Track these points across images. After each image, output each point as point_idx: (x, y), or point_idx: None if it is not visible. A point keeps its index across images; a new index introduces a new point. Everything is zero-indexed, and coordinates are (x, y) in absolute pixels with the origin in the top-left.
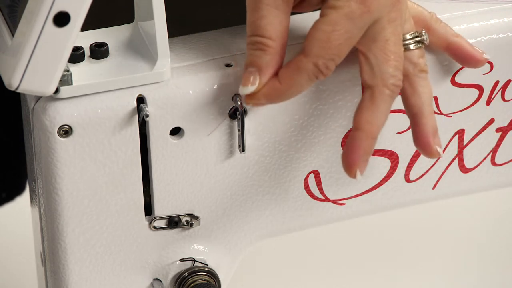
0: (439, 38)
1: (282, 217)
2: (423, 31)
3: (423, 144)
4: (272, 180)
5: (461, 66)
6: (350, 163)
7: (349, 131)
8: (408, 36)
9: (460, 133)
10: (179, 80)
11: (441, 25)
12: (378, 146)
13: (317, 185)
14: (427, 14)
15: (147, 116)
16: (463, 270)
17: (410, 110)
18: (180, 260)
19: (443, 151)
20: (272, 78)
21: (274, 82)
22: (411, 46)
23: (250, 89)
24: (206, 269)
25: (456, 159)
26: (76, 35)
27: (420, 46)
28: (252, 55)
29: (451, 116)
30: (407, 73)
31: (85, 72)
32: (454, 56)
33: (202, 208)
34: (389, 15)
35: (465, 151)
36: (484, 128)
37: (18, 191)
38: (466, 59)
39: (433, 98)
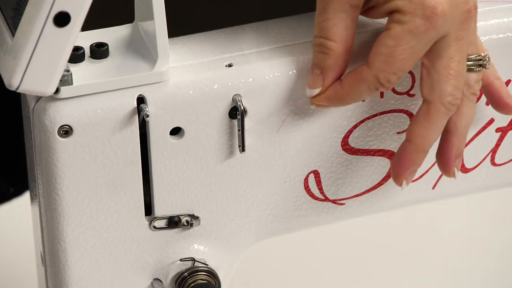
0: (482, 74)
1: (282, 217)
2: (487, 56)
3: (444, 161)
4: (272, 180)
5: None
6: (399, 173)
7: (349, 131)
8: (472, 57)
9: None
10: (179, 80)
11: (489, 62)
12: (378, 146)
13: (317, 185)
14: (481, 48)
15: (147, 116)
16: (463, 270)
17: (447, 125)
18: (180, 260)
19: None
20: (336, 82)
21: (337, 86)
22: (474, 68)
23: (315, 91)
24: (206, 269)
25: None
26: (76, 35)
27: (480, 70)
28: (316, 56)
29: None
30: None
31: (85, 72)
32: (488, 95)
33: (202, 208)
34: (457, 32)
35: (464, 151)
36: (484, 128)
37: (26, 186)
38: (498, 103)
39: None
